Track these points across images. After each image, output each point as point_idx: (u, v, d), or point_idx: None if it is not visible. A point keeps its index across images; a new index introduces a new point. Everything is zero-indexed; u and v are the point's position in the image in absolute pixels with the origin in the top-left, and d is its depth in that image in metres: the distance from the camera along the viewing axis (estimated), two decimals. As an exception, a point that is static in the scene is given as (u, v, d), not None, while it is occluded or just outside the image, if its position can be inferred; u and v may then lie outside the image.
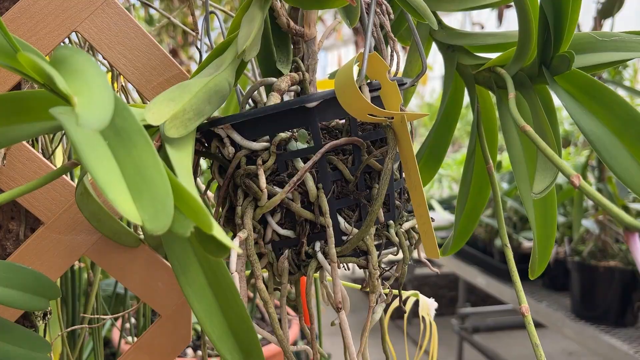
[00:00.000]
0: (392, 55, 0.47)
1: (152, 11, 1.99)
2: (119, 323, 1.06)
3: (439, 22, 0.53)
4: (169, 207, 0.27)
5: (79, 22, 0.46)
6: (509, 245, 0.45)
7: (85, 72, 0.26)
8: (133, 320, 1.07)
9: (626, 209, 1.70)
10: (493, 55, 0.48)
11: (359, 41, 3.09)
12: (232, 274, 0.39)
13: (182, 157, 0.35)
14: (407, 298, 0.58)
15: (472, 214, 0.53)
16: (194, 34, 0.58)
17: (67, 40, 0.60)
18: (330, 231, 0.40)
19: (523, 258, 2.00)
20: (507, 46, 0.48)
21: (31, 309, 0.41)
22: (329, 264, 0.41)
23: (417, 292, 0.57)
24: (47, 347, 0.41)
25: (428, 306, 0.56)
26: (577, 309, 1.66)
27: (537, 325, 2.51)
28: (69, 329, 0.57)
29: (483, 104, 0.50)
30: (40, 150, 0.55)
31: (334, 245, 0.40)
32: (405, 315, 0.56)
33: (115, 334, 1.09)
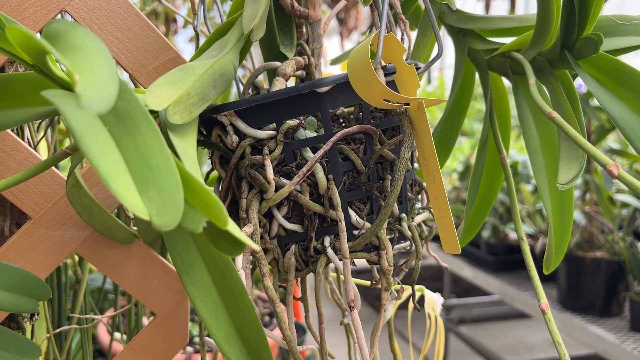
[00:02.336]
0: (402, 39, 0.45)
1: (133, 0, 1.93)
2: (106, 319, 1.03)
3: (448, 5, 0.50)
4: (179, 200, 0.24)
5: (68, 1, 0.42)
6: (524, 238, 0.43)
7: (85, 48, 0.23)
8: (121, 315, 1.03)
9: (611, 199, 1.71)
10: (507, 40, 0.46)
11: (343, 32, 3.06)
12: (238, 271, 0.36)
13: (187, 146, 0.32)
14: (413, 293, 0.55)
15: (481, 206, 0.51)
16: (189, 20, 0.55)
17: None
18: (342, 225, 0.38)
19: (509, 249, 2.00)
20: (523, 30, 0.45)
21: (19, 311, 0.38)
22: (340, 260, 0.38)
23: (423, 287, 0.55)
24: (36, 351, 0.38)
25: (434, 301, 0.54)
26: (564, 299, 1.66)
27: (523, 315, 2.53)
28: (56, 330, 0.53)
29: (496, 91, 0.48)
30: (25, 141, 0.52)
31: (346, 240, 0.38)
32: (410, 313, 0.54)
33: (102, 329, 1.05)
